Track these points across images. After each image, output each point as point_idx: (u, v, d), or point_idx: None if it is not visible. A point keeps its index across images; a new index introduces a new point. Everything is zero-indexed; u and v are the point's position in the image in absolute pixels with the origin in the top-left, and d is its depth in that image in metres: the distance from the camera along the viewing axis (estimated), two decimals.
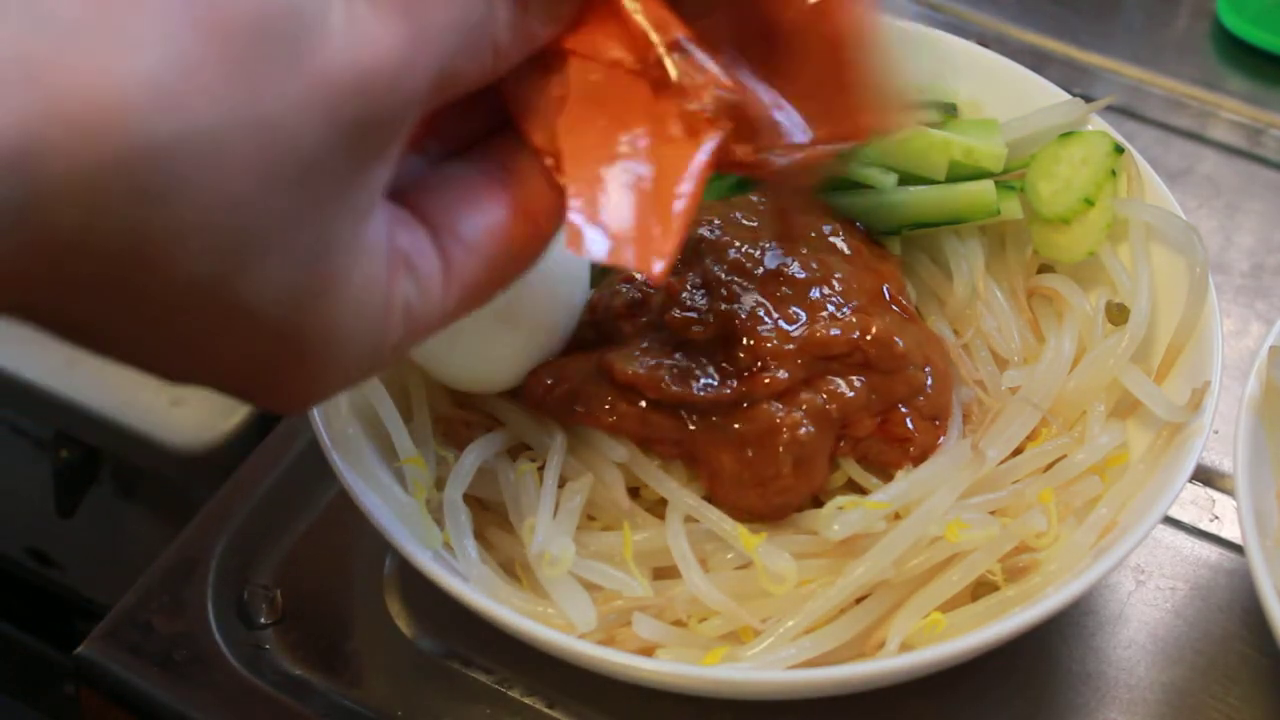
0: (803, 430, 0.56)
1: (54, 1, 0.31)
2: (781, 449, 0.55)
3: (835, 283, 0.59)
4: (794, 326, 0.57)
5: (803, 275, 0.59)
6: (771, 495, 0.56)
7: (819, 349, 0.57)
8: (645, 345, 0.57)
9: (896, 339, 0.58)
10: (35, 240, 0.31)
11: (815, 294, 0.59)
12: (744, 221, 0.61)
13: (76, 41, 0.30)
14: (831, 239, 0.62)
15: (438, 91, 0.37)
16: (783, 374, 0.56)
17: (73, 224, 0.31)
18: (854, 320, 0.58)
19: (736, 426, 0.56)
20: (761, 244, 0.60)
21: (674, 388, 0.56)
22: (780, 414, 0.56)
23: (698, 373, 0.56)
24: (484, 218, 0.41)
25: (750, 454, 0.56)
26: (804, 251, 0.60)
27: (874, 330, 0.58)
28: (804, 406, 0.56)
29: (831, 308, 0.59)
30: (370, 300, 0.38)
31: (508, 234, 0.41)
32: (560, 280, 0.58)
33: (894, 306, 0.60)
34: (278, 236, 0.34)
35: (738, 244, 0.60)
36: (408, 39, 0.35)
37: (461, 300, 0.41)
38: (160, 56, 0.31)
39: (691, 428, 0.56)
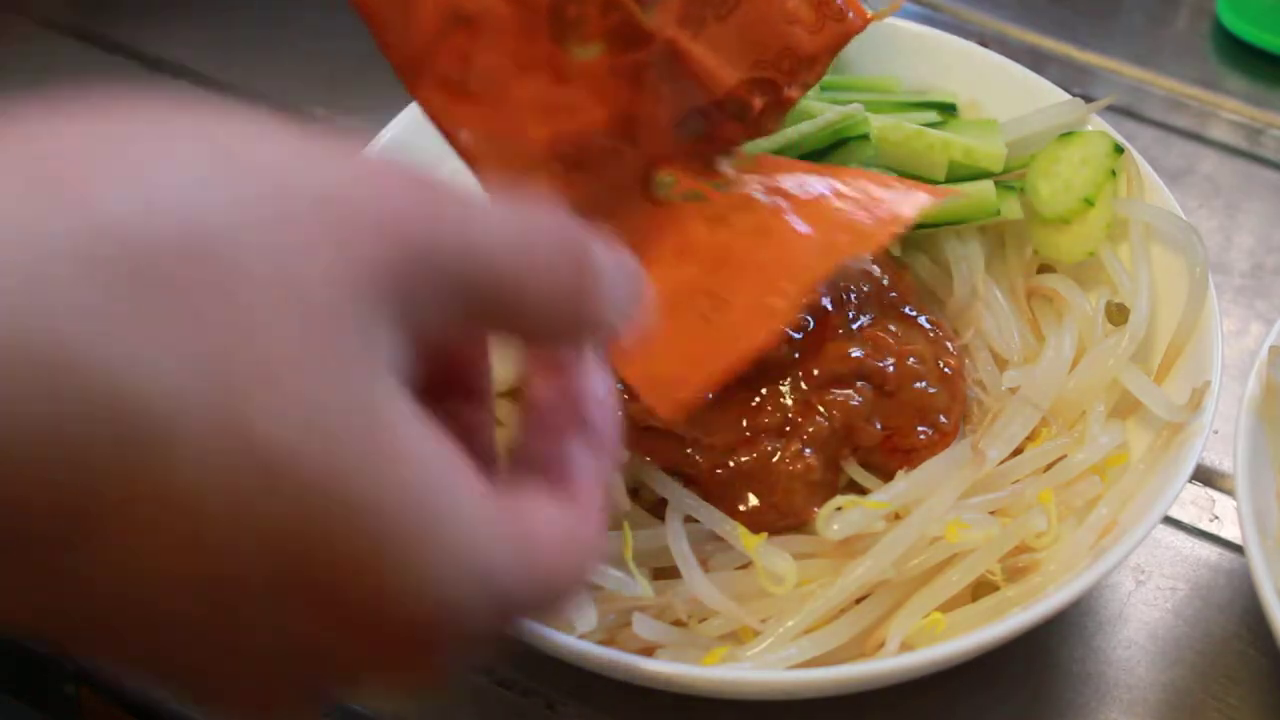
0: (802, 465, 0.56)
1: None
2: (784, 488, 0.56)
3: (845, 293, 0.59)
4: (804, 349, 0.58)
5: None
6: (775, 520, 0.56)
7: (828, 374, 0.57)
8: None
9: (910, 359, 0.58)
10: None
11: (827, 305, 0.59)
12: None
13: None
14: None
15: (482, 300, 0.32)
16: (787, 400, 0.56)
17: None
18: (868, 341, 0.58)
19: (739, 462, 0.56)
20: None
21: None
22: (781, 452, 0.56)
23: None
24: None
25: (751, 488, 0.56)
26: None
27: (890, 355, 0.58)
28: (808, 432, 0.56)
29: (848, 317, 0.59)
30: (445, 474, 0.32)
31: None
32: None
33: (912, 317, 0.61)
34: (290, 377, 0.29)
35: None
36: (434, 202, 0.31)
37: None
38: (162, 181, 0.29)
39: (692, 453, 0.56)
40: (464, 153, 0.44)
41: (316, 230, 0.28)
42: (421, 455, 0.29)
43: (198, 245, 0.27)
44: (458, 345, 0.36)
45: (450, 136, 0.45)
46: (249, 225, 0.28)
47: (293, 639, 0.29)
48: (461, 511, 0.30)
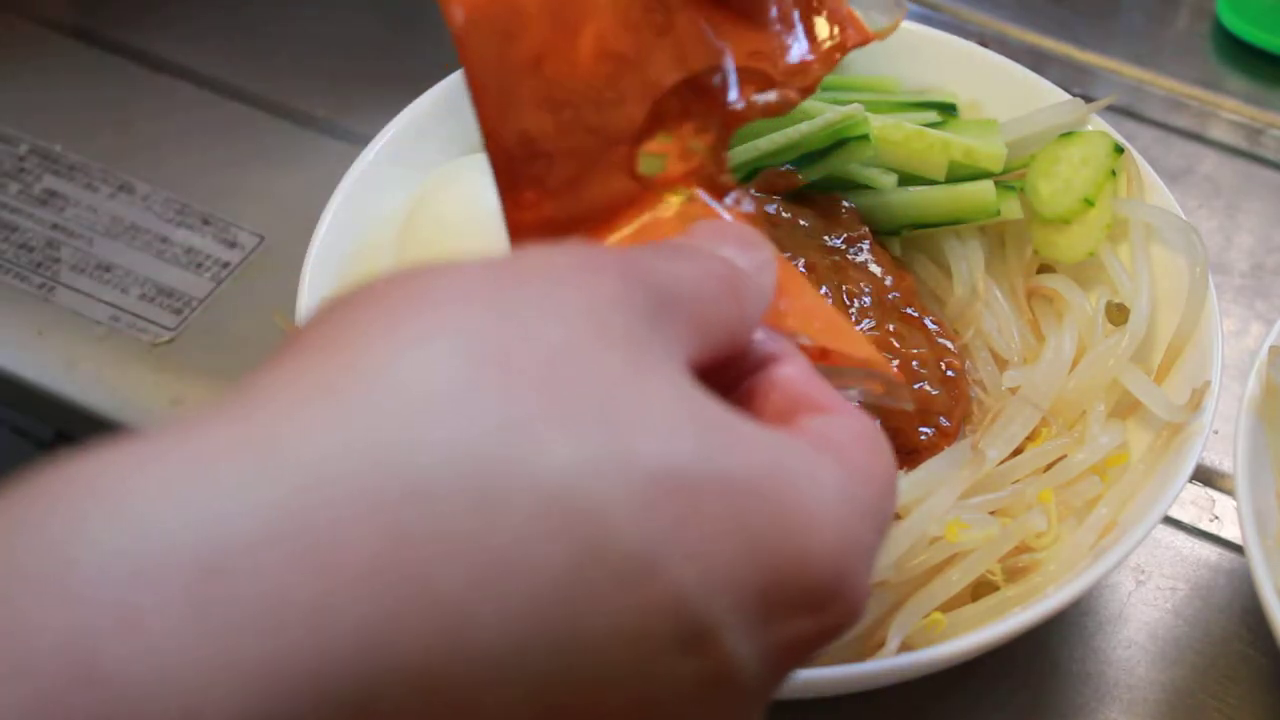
0: None
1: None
2: None
3: (847, 294, 0.59)
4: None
5: (814, 285, 0.59)
6: None
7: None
8: None
9: (912, 362, 0.58)
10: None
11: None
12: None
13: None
14: (852, 253, 0.62)
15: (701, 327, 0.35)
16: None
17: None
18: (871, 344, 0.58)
19: None
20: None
21: None
22: None
23: None
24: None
25: None
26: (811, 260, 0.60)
27: (892, 357, 0.58)
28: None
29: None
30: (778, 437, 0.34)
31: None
32: None
33: (912, 318, 0.60)
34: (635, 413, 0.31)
35: None
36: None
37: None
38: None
39: None
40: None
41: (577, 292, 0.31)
42: (754, 433, 0.31)
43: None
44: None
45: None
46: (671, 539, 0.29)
47: (776, 650, 0.31)
48: (808, 460, 0.32)
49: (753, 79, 0.46)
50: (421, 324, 0.28)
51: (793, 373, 0.37)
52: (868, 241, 0.62)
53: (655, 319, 0.31)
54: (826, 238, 0.62)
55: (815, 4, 0.48)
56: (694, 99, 0.44)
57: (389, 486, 0.25)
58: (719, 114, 0.45)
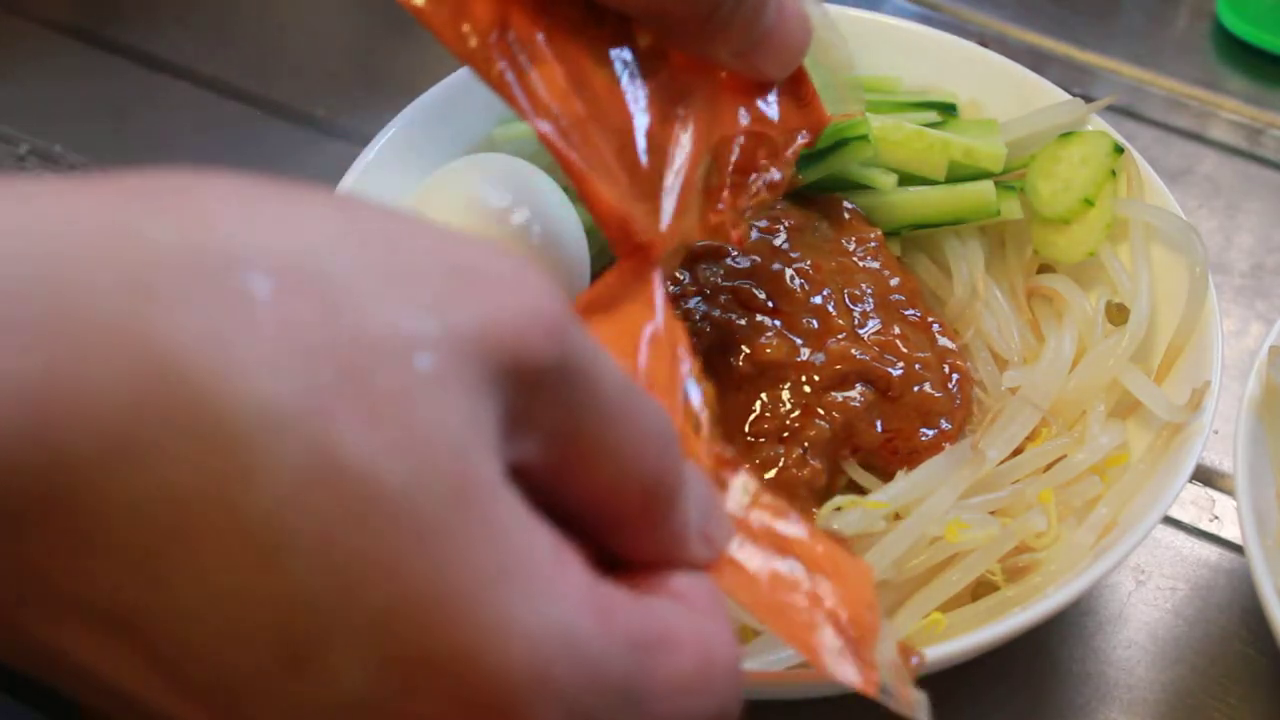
0: (808, 471, 0.56)
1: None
2: (787, 494, 0.56)
3: (851, 296, 0.59)
4: (805, 348, 0.57)
5: (815, 287, 0.59)
6: None
7: (830, 375, 0.57)
8: None
9: (915, 364, 0.58)
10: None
11: (831, 308, 0.59)
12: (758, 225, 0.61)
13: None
14: (858, 256, 0.62)
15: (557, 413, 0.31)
16: (788, 405, 0.56)
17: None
18: (874, 345, 0.58)
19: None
20: (773, 248, 0.60)
21: None
22: (784, 458, 0.56)
23: None
24: None
25: None
26: (805, 260, 0.60)
27: (896, 359, 0.58)
28: (809, 436, 0.56)
29: (854, 315, 0.59)
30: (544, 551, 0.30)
31: None
32: (561, 278, 0.58)
33: (915, 319, 0.60)
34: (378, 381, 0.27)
35: (737, 253, 0.60)
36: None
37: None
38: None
39: None
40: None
41: (441, 291, 0.28)
42: (519, 519, 0.28)
43: (311, 266, 0.26)
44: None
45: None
46: (371, 267, 0.27)
47: (374, 700, 0.27)
48: (558, 579, 0.28)
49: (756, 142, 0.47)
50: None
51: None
52: (875, 243, 0.62)
53: (494, 382, 0.28)
54: (838, 241, 0.62)
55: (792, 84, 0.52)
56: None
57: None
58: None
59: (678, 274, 0.59)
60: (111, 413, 0.24)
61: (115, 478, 0.24)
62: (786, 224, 0.62)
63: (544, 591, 0.28)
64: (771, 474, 0.56)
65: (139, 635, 0.26)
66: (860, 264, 0.61)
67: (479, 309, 0.28)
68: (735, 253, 0.59)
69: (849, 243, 0.62)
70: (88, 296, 0.24)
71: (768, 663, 0.53)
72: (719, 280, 0.59)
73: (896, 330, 0.60)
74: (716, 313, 0.58)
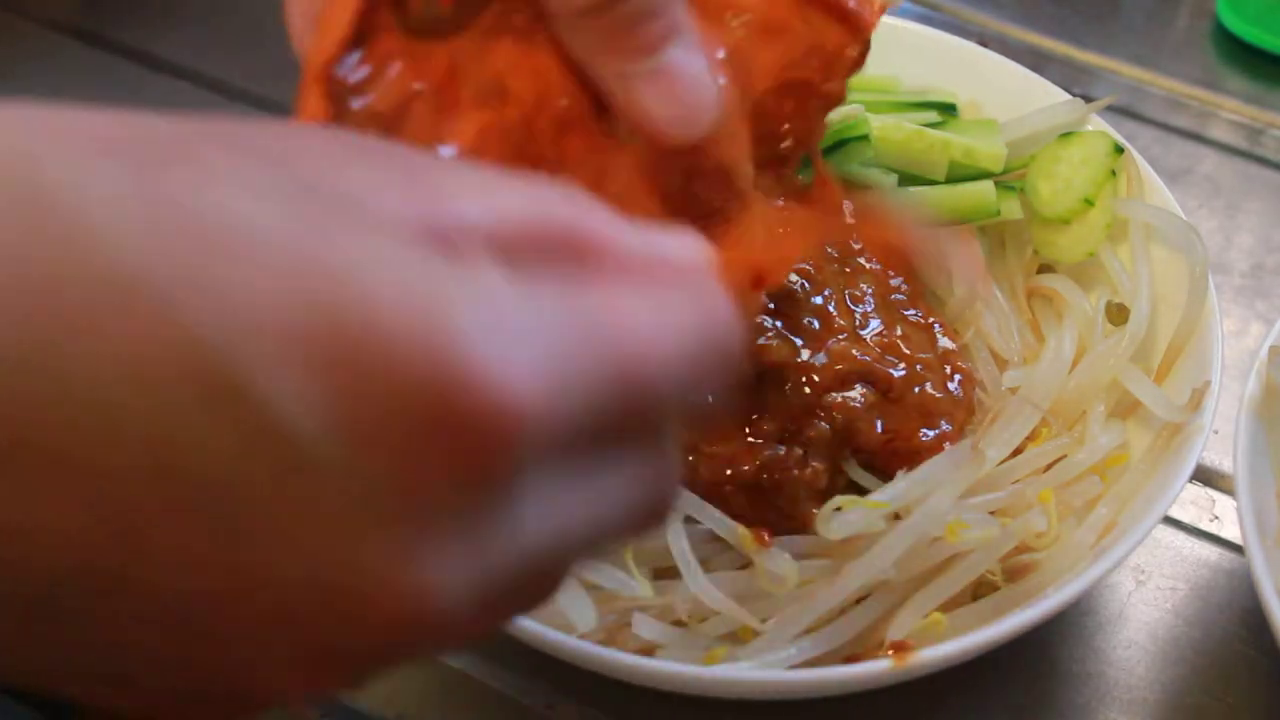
0: (810, 473, 0.56)
1: None
2: (789, 495, 0.56)
3: (852, 297, 0.59)
4: (807, 350, 0.57)
5: (816, 288, 0.59)
6: (777, 522, 0.56)
7: (831, 376, 0.57)
8: None
9: (917, 365, 0.58)
10: None
11: (832, 309, 0.59)
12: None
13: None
14: (864, 256, 0.62)
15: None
16: (789, 405, 0.56)
17: None
18: (875, 345, 0.58)
19: (741, 472, 0.56)
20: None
21: None
22: (785, 459, 0.56)
23: None
24: None
25: (755, 496, 0.56)
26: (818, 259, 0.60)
27: (898, 360, 0.58)
28: (810, 437, 0.56)
29: (848, 319, 0.59)
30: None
31: None
32: None
33: (914, 318, 0.60)
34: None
35: None
36: None
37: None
38: None
39: (694, 463, 0.56)
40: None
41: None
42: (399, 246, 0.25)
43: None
44: None
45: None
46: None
47: (371, 444, 0.24)
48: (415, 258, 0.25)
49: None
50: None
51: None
52: None
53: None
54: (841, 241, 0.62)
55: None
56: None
57: None
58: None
59: None
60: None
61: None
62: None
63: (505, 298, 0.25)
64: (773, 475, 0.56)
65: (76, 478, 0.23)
66: (862, 265, 0.61)
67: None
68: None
69: (853, 242, 0.62)
70: None
71: (767, 663, 0.53)
72: None
73: (899, 331, 0.60)
74: None
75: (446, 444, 0.24)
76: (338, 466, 0.24)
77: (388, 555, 0.24)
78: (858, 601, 0.55)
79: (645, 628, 0.53)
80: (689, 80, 0.38)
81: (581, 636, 0.52)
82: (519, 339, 0.25)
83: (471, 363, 0.24)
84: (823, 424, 0.56)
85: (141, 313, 0.23)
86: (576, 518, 0.27)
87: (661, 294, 0.28)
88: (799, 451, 0.56)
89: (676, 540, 0.54)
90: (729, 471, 0.56)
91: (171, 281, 0.23)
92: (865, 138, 0.62)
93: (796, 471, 0.56)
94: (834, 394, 0.57)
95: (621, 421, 0.27)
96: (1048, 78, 0.70)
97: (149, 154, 0.24)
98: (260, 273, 0.23)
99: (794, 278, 0.59)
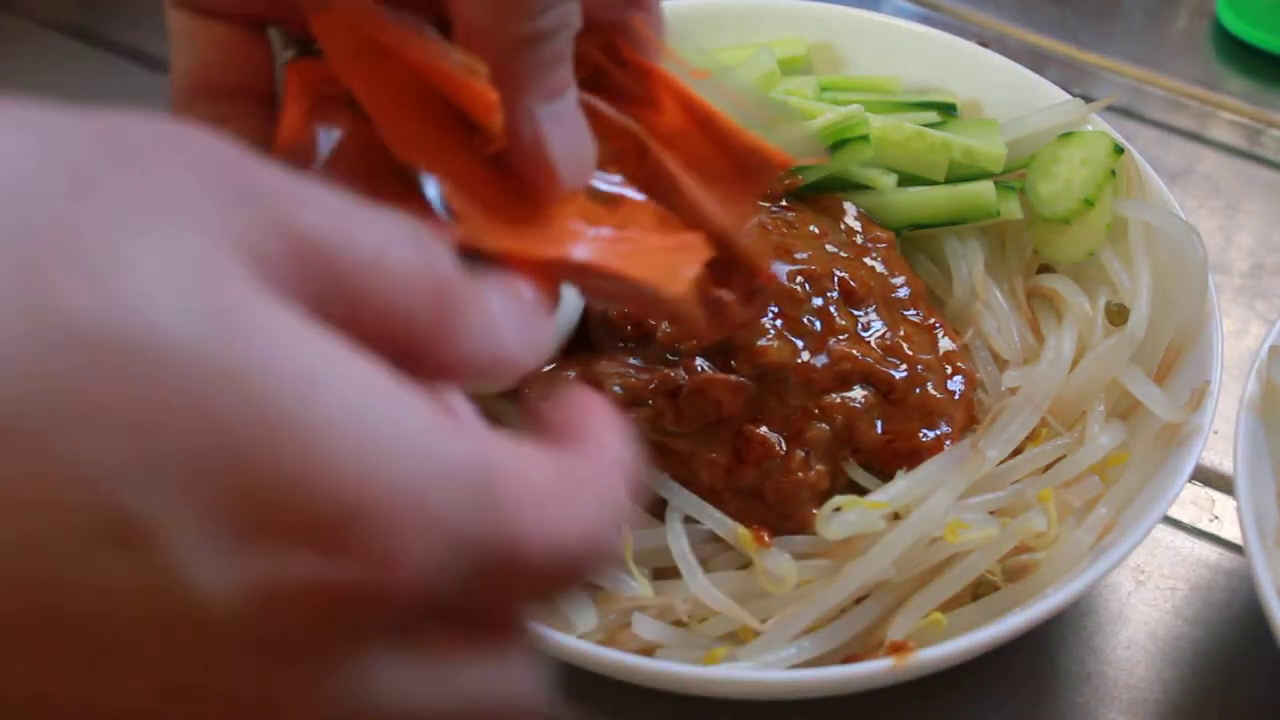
0: (814, 475, 0.56)
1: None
2: (791, 497, 0.56)
3: (855, 297, 0.59)
4: (808, 351, 0.57)
5: (817, 288, 0.59)
6: (777, 522, 0.56)
7: (831, 376, 0.57)
8: (635, 362, 0.57)
9: (919, 366, 0.58)
10: None
11: (833, 309, 0.59)
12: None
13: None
14: (870, 257, 0.61)
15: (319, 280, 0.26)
16: (789, 407, 0.56)
17: None
18: (877, 346, 0.58)
19: (743, 475, 0.56)
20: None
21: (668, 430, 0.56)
22: (786, 462, 0.56)
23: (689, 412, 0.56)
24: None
25: (757, 498, 0.56)
26: (808, 256, 0.60)
27: (901, 361, 0.58)
28: (809, 438, 0.56)
29: (852, 321, 0.59)
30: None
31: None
32: None
33: (916, 319, 0.60)
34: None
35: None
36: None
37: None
38: None
39: (695, 468, 0.56)
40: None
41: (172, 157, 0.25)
42: (309, 338, 0.25)
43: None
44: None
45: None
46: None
47: (264, 585, 0.24)
48: (386, 404, 0.25)
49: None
50: None
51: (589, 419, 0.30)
52: (886, 244, 0.62)
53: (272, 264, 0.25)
54: (842, 241, 0.62)
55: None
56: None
57: None
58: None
59: None
60: None
61: None
62: (788, 224, 0.62)
63: (369, 389, 0.25)
64: (775, 478, 0.56)
65: None
66: (863, 264, 0.61)
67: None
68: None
69: (857, 241, 0.62)
70: None
71: (767, 663, 0.53)
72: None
73: (904, 333, 0.60)
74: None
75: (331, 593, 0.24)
76: (233, 625, 0.24)
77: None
78: (857, 601, 0.55)
79: (645, 628, 0.53)
80: (584, 131, 0.39)
81: (581, 636, 0.52)
82: (423, 490, 0.25)
83: (371, 514, 0.24)
84: (822, 425, 0.56)
85: (20, 448, 0.22)
86: (426, 699, 0.27)
87: (574, 481, 0.28)
88: (801, 454, 0.56)
89: (676, 540, 0.54)
90: (730, 476, 0.56)
91: (55, 413, 0.22)
92: (865, 138, 0.62)
93: (801, 474, 0.56)
94: (834, 394, 0.57)
95: (489, 600, 0.27)
96: (1048, 78, 0.70)
97: (32, 243, 0.23)
98: (154, 392, 0.23)
99: (794, 276, 0.59)
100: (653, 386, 0.56)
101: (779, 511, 0.56)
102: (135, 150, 0.25)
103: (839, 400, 0.57)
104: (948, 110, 0.68)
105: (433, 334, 0.28)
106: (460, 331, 0.28)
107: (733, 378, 0.56)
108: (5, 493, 0.22)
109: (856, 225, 0.63)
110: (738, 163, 0.42)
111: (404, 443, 0.25)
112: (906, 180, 0.65)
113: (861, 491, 0.57)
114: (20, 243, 0.23)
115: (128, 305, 0.23)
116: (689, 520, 0.55)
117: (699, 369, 0.56)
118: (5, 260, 0.23)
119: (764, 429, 0.56)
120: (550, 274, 0.36)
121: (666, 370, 0.56)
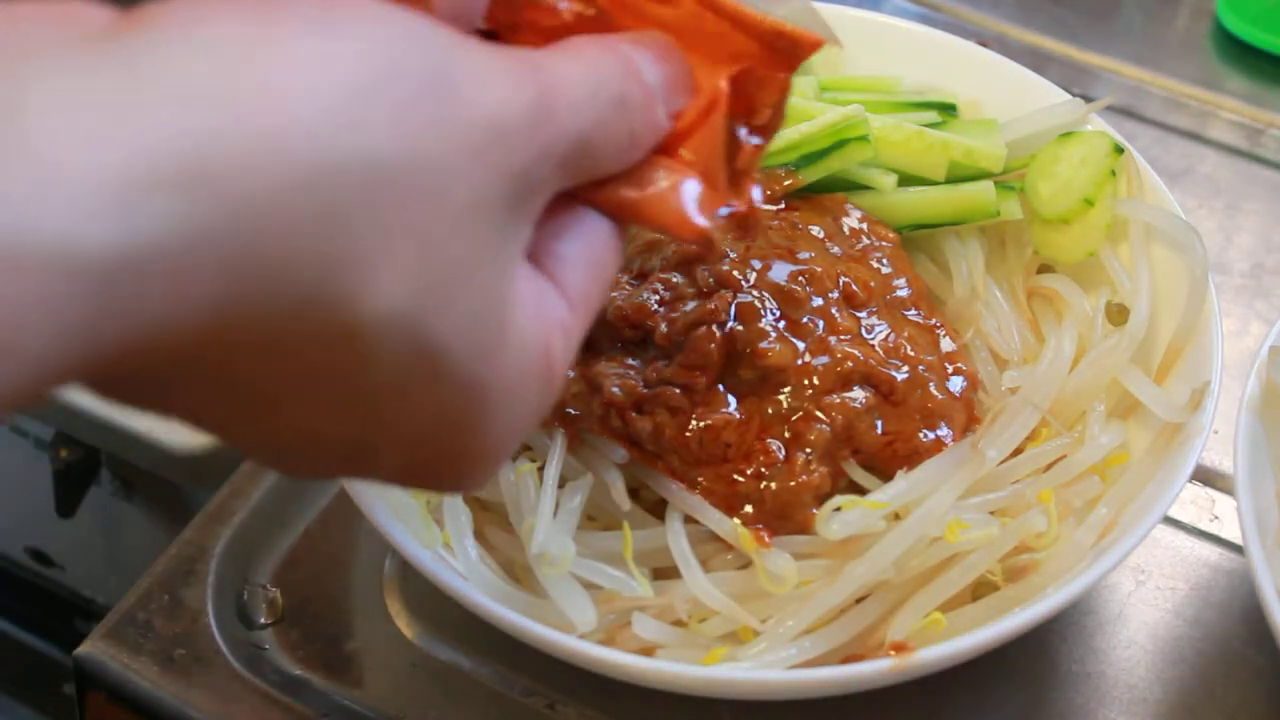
0: (817, 477, 0.56)
1: (219, 24, 0.29)
2: (792, 497, 0.56)
3: (856, 298, 0.59)
4: (807, 352, 0.57)
5: (818, 289, 0.59)
6: (777, 523, 0.56)
7: (832, 377, 0.57)
8: (634, 363, 0.57)
9: (920, 367, 0.58)
10: (203, 276, 0.28)
11: (835, 312, 0.58)
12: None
13: (242, 62, 0.29)
14: (874, 257, 0.61)
15: (575, 164, 0.36)
16: (789, 408, 0.56)
17: (255, 251, 0.28)
18: (878, 348, 0.58)
19: (744, 475, 0.56)
20: (776, 248, 0.60)
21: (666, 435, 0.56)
22: (786, 463, 0.56)
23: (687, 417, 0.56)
24: (579, 225, 0.38)
25: (757, 499, 0.56)
26: (809, 255, 0.60)
27: (902, 361, 0.58)
28: (810, 439, 0.56)
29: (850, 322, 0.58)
30: (533, 355, 0.36)
31: (604, 232, 0.39)
32: None
33: (918, 319, 0.60)
34: (461, 280, 0.32)
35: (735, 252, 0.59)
36: (535, 97, 0.34)
37: (586, 320, 0.39)
38: (328, 80, 0.30)
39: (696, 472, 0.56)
40: None
41: (465, 154, 0.32)
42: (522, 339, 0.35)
43: (381, 168, 0.31)
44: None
45: None
46: (414, 153, 0.31)
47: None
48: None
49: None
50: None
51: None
52: (891, 245, 0.62)
53: (519, 201, 0.34)
54: (846, 242, 0.62)
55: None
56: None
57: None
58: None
59: (673, 278, 0.59)
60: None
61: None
62: (791, 225, 0.62)
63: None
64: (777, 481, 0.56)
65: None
66: (866, 266, 0.61)
67: (488, 161, 0.33)
68: (734, 255, 0.59)
69: (861, 241, 0.62)
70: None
71: (767, 663, 0.53)
72: (714, 282, 0.58)
73: (906, 334, 0.60)
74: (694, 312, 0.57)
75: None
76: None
77: None
78: (858, 602, 0.55)
79: (645, 628, 0.53)
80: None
81: (581, 636, 0.52)
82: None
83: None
84: (823, 425, 0.56)
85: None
86: None
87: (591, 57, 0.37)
88: (802, 456, 0.56)
89: (676, 540, 0.54)
90: (733, 478, 0.56)
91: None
92: (865, 138, 0.62)
93: (802, 477, 0.55)
94: (835, 395, 0.57)
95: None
96: (1048, 78, 0.70)
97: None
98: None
99: (795, 276, 0.59)
100: (654, 394, 0.56)
101: (779, 512, 0.56)
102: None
103: (839, 401, 0.57)
104: (948, 110, 0.68)
105: (628, 153, 0.38)
106: (639, 138, 0.38)
107: (738, 415, 0.56)
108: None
109: (861, 225, 0.63)
110: (766, 44, 0.43)
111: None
112: (906, 180, 0.65)
113: (862, 492, 0.57)
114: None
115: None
116: (689, 520, 0.55)
117: (697, 372, 0.56)
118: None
119: (769, 441, 0.56)
120: None
121: (672, 388, 0.56)
